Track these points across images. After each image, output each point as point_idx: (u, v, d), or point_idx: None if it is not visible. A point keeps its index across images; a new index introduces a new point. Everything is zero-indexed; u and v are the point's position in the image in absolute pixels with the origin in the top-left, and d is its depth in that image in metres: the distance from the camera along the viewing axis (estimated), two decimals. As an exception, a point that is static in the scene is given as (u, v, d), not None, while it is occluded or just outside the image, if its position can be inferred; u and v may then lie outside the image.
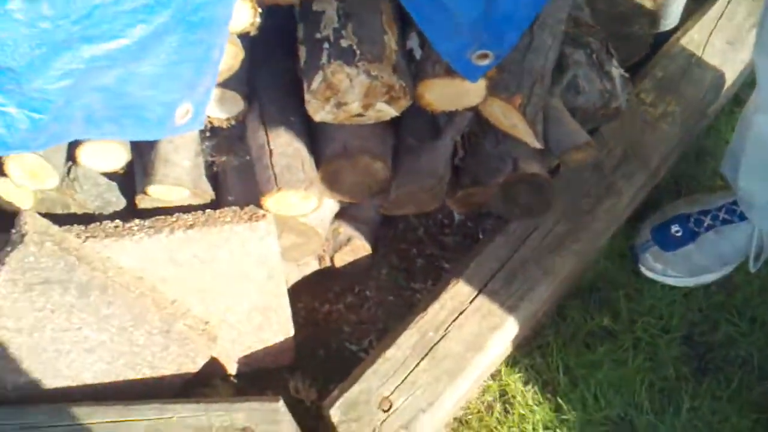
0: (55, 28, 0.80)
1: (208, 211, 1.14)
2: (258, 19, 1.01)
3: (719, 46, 1.56)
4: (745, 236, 1.35)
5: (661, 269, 1.37)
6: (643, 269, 1.39)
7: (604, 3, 1.53)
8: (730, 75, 1.53)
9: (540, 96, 1.17)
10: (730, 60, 1.54)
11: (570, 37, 1.30)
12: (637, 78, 1.51)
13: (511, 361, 1.29)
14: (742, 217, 1.35)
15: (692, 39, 1.57)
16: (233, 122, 1.16)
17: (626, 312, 1.35)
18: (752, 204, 1.30)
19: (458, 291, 1.23)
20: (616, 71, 1.31)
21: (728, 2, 1.62)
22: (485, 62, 1.06)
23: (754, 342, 1.33)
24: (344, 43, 1.07)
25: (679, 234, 1.38)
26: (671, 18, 1.58)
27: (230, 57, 1.04)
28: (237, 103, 1.15)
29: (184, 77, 0.95)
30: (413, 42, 1.15)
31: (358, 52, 1.06)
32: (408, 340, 1.19)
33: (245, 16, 1.00)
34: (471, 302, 1.22)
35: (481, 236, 1.40)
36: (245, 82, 1.17)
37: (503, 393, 1.28)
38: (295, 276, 1.32)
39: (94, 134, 0.97)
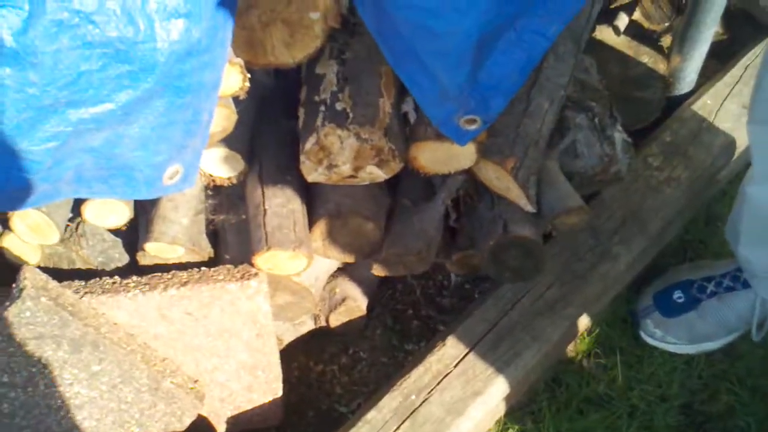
0: (42, 94, 0.83)
1: (203, 269, 1.16)
2: (247, 84, 1.04)
3: (734, 111, 1.53)
4: (748, 304, 1.32)
5: (661, 335, 1.35)
6: (642, 335, 1.36)
7: (617, 66, 1.54)
8: (744, 140, 1.48)
9: (534, 160, 1.17)
10: (743, 125, 1.44)
11: (573, 101, 1.31)
12: (645, 142, 1.48)
13: (502, 426, 1.27)
14: (746, 285, 1.32)
15: (705, 104, 1.54)
16: (235, 181, 1.19)
17: (623, 379, 1.32)
18: (754, 272, 1.28)
19: (444, 354, 1.22)
20: (619, 135, 1.31)
21: (745, 68, 1.59)
22: (473, 127, 1.07)
23: (753, 412, 1.29)
24: (339, 106, 1.09)
25: (681, 300, 1.35)
26: (685, 82, 1.57)
27: (223, 119, 1.07)
28: (238, 163, 1.18)
29: (173, 139, 0.98)
30: (409, 105, 1.17)
31: (351, 115, 1.08)
32: (390, 403, 1.18)
33: (234, 81, 1.03)
34: (456, 366, 1.21)
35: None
36: (247, 141, 1.20)
37: (490, 458, 1.26)
38: (291, 335, 1.33)
39: (84, 193, 1.00)
